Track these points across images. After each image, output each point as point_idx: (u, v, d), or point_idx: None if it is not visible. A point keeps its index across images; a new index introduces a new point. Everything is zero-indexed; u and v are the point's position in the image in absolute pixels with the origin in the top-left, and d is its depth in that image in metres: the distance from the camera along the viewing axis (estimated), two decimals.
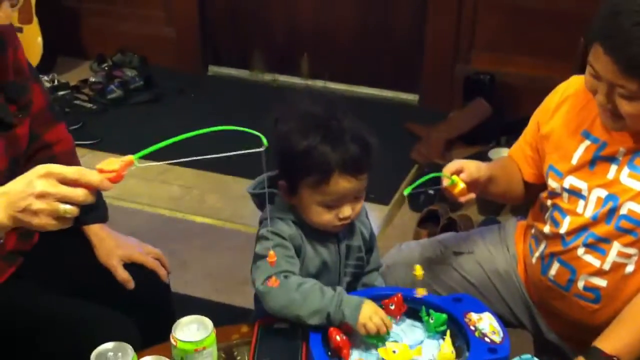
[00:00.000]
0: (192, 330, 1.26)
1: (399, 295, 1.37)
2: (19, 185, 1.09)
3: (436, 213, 2.68)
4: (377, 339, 1.31)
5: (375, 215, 2.82)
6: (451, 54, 3.53)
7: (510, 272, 1.66)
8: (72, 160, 1.72)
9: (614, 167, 1.44)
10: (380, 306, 1.34)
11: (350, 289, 1.49)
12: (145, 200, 2.98)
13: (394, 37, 3.70)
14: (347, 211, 1.37)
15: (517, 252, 1.67)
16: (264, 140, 1.11)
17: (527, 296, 1.65)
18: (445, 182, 1.47)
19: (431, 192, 2.80)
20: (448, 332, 1.32)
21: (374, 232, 1.56)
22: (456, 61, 3.53)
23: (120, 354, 1.21)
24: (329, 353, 1.29)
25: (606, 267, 1.44)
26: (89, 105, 3.68)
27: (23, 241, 1.57)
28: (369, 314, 1.29)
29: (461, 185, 1.45)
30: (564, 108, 1.54)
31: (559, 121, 1.54)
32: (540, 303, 1.62)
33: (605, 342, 1.35)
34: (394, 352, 1.28)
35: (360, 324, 1.29)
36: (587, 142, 1.48)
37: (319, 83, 3.85)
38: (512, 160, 1.68)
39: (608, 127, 1.43)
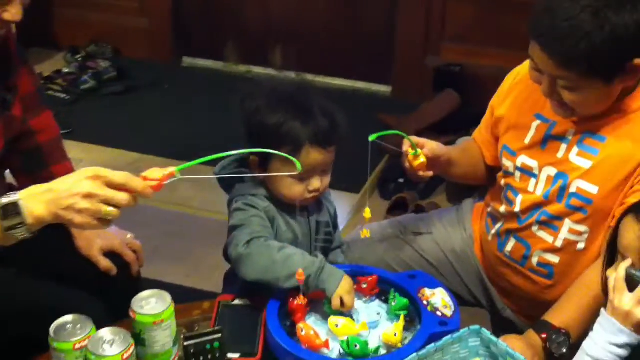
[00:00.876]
0: (151, 304, 1.28)
1: (374, 277, 1.41)
2: (65, 184, 1.14)
3: (405, 201, 2.72)
4: (336, 312, 1.34)
5: (345, 202, 2.85)
6: (422, 46, 3.57)
7: (467, 251, 1.70)
8: (57, 150, 1.75)
9: (564, 146, 1.48)
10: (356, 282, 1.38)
11: None
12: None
13: (366, 28, 3.74)
14: (316, 183, 1.41)
15: (474, 231, 1.72)
16: (298, 166, 1.23)
17: (484, 274, 1.69)
18: (406, 146, 1.49)
19: (401, 180, 2.85)
20: (402, 316, 1.34)
21: (335, 209, 1.59)
22: (427, 53, 3.57)
23: (79, 326, 1.24)
24: (286, 323, 1.32)
25: (558, 243, 1.49)
26: (62, 95, 3.68)
27: None
28: (348, 288, 1.33)
29: (422, 159, 1.48)
30: (517, 90, 1.58)
31: (512, 103, 1.58)
32: (496, 280, 1.66)
33: (554, 316, 1.39)
34: (336, 326, 1.30)
35: (337, 295, 1.32)
36: (538, 122, 1.52)
37: (292, 75, 3.87)
38: (475, 143, 1.72)
39: (559, 115, 1.47)
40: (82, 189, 1.12)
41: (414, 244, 1.72)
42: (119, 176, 1.14)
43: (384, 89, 3.80)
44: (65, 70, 3.83)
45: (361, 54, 3.79)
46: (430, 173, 1.52)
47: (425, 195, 2.86)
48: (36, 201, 1.14)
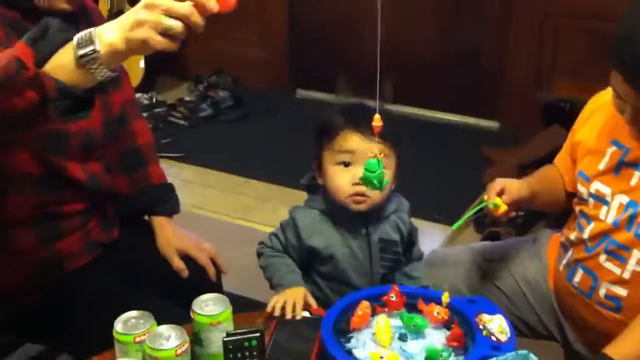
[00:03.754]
0: (209, 305, 1.34)
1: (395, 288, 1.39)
2: (135, 6, 1.11)
3: (497, 235, 2.67)
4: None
5: (439, 234, 2.84)
6: (532, 80, 3.51)
7: (541, 281, 1.66)
8: (153, 152, 1.85)
9: (637, 174, 1.43)
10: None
11: (385, 280, 1.53)
12: (220, 209, 3.14)
13: (477, 62, 3.73)
14: (359, 175, 1.42)
15: (549, 262, 1.67)
16: None
17: (556, 305, 1.64)
18: (487, 196, 1.53)
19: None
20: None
21: (415, 227, 1.59)
22: (537, 87, 3.51)
23: (142, 321, 1.32)
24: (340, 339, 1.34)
25: (626, 275, 1.43)
26: (182, 122, 3.91)
27: (105, 233, 1.71)
28: (292, 292, 1.41)
29: (503, 209, 1.50)
30: (597, 116, 1.55)
31: (591, 128, 1.55)
32: (567, 312, 1.61)
33: (614, 349, 1.33)
34: (381, 358, 1.27)
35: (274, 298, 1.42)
36: (614, 148, 1.48)
37: (401, 107, 3.92)
38: (556, 168, 1.69)
39: (638, 142, 1.43)
40: (143, 1, 1.09)
41: (486, 271, 1.70)
42: None
43: (492, 124, 3.75)
44: (187, 98, 4.07)
45: (470, 89, 3.78)
46: (513, 213, 1.54)
47: (524, 231, 2.79)
48: (108, 27, 1.13)
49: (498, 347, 1.31)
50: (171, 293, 1.66)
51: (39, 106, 1.15)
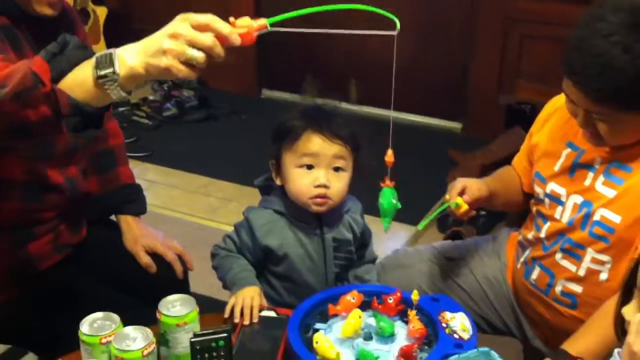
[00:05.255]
0: (176, 306, 1.35)
1: (399, 293, 1.42)
2: (157, 33, 1.13)
3: (460, 234, 2.71)
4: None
5: (402, 234, 2.88)
6: (496, 83, 3.57)
7: (500, 279, 1.70)
8: (124, 154, 1.86)
9: (590, 175, 1.48)
10: (381, 301, 1.40)
11: (339, 280, 1.56)
12: (185, 210, 3.14)
13: (441, 66, 3.78)
14: (321, 177, 1.45)
15: (508, 260, 1.71)
16: (397, 23, 1.19)
17: (515, 302, 1.68)
18: (448, 197, 1.56)
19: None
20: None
21: (368, 229, 1.61)
22: (500, 90, 3.57)
23: (107, 322, 1.32)
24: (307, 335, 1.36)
25: (581, 272, 1.48)
26: (146, 121, 3.89)
27: (74, 234, 1.71)
28: (244, 293, 1.43)
29: (464, 208, 1.55)
30: (553, 119, 1.60)
31: (547, 131, 1.59)
32: (525, 308, 1.65)
33: (573, 344, 1.37)
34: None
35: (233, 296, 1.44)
36: (569, 150, 1.53)
37: (366, 109, 3.95)
38: (513, 169, 1.73)
39: (592, 144, 1.47)
40: (169, 29, 1.10)
41: (447, 269, 1.73)
42: (204, 16, 1.11)
43: (455, 125, 3.81)
44: (151, 97, 4.05)
45: (434, 91, 3.83)
46: (473, 212, 1.58)
47: (485, 230, 2.84)
48: (129, 51, 1.14)
49: (460, 344, 1.34)
50: (138, 292, 1.67)
51: (51, 120, 1.16)
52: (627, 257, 1.41)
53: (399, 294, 1.43)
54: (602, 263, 1.45)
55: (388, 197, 1.33)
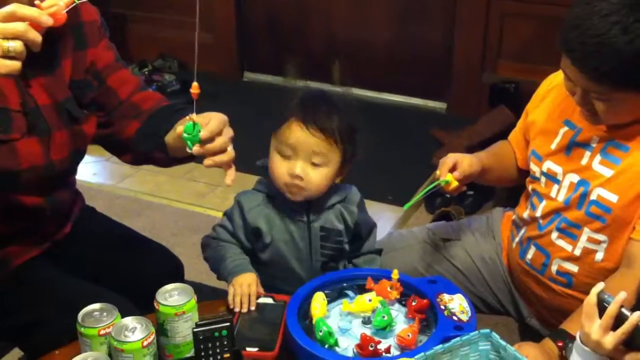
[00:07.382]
0: (174, 296, 1.34)
1: (427, 301, 1.41)
2: None
3: (448, 214, 2.72)
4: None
5: (390, 215, 2.88)
6: (478, 63, 3.57)
7: (495, 259, 1.71)
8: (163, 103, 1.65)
9: (587, 153, 1.48)
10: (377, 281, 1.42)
11: (325, 269, 1.54)
12: (172, 196, 3.11)
13: (424, 46, 3.77)
14: (296, 168, 1.43)
15: (503, 239, 1.72)
16: None
17: (510, 282, 1.69)
18: (438, 174, 1.55)
19: (447, 195, 2.85)
20: (417, 319, 1.36)
21: (369, 222, 1.59)
22: (483, 69, 3.57)
23: (105, 313, 1.31)
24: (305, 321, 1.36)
25: (577, 252, 1.48)
26: None
27: (58, 230, 1.67)
28: (240, 281, 1.44)
29: (454, 185, 1.54)
30: (550, 97, 1.60)
31: (544, 109, 1.59)
32: (521, 288, 1.66)
33: (571, 324, 1.38)
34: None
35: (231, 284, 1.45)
36: (566, 128, 1.53)
37: (349, 89, 3.93)
38: (509, 144, 1.73)
39: (589, 123, 1.47)
40: None
41: (442, 250, 1.74)
42: (7, 7, 1.13)
43: (439, 105, 3.81)
44: None
45: (418, 71, 3.82)
46: (463, 188, 1.57)
47: (473, 210, 2.85)
48: None
49: (461, 326, 1.35)
50: (126, 287, 1.65)
51: None
52: (623, 237, 1.42)
53: (427, 302, 1.40)
54: (598, 242, 1.46)
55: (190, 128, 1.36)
